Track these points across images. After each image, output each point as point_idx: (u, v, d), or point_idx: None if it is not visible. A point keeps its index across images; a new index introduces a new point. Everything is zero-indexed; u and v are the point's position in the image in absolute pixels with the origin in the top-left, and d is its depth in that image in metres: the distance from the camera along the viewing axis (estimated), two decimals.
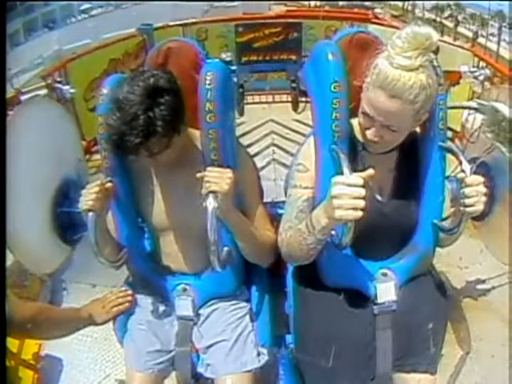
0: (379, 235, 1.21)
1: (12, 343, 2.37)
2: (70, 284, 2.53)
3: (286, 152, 3.78)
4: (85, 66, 3.72)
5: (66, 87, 3.35)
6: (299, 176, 1.24)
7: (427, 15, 26.12)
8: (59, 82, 3.41)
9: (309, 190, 1.21)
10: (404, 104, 1.02)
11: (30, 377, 2.26)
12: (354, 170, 1.05)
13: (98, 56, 3.99)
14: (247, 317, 1.42)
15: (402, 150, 1.25)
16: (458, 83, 3.37)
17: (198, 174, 1.14)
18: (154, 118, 1.07)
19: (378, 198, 1.23)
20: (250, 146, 3.51)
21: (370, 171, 0.97)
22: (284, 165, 3.50)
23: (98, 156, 3.26)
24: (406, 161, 1.26)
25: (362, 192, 0.93)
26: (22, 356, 2.33)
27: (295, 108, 2.32)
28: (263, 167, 3.55)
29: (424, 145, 1.24)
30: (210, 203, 1.07)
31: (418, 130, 1.28)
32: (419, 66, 1.01)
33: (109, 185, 1.21)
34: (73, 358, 1.92)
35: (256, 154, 3.58)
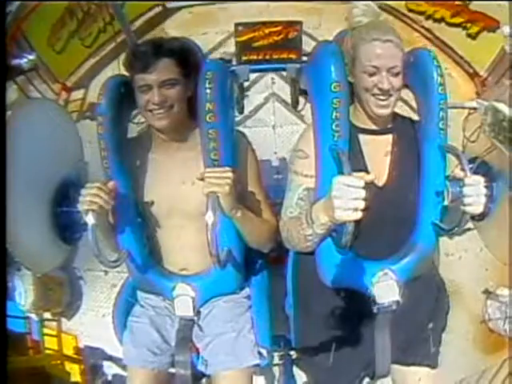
0: (379, 224, 1.20)
1: (50, 341, 2.54)
2: (84, 273, 2.63)
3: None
4: (42, 14, 3.16)
5: (24, 59, 3.04)
6: (299, 162, 1.26)
7: None
8: (19, 57, 3.03)
9: (309, 178, 1.23)
10: (396, 45, 1.16)
11: (76, 369, 2.46)
12: (353, 165, 1.06)
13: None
14: (247, 314, 1.43)
15: (396, 133, 1.27)
16: (492, 31, 3.03)
17: (198, 176, 1.15)
18: (164, 46, 1.23)
19: (376, 182, 1.22)
20: None
21: (372, 176, 0.97)
22: (284, 102, 3.00)
23: (76, 94, 3.20)
24: (402, 144, 1.26)
25: (363, 193, 0.93)
26: (63, 352, 2.49)
27: (295, 106, 2.33)
28: (261, 106, 3.07)
29: (424, 145, 1.24)
30: (210, 217, 1.09)
31: (416, 117, 1.30)
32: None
33: (108, 185, 1.21)
34: (108, 347, 1.95)
35: (254, 83, 3.07)
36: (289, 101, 2.62)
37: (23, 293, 2.33)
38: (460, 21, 3.15)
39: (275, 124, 3.02)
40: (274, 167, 2.79)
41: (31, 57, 3.07)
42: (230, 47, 2.98)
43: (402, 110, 1.35)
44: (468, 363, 2.51)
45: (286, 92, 2.96)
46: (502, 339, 2.52)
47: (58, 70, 3.23)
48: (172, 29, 3.35)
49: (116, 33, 3.10)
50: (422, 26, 3.26)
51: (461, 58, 3.17)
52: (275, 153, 2.88)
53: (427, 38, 3.24)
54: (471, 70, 3.15)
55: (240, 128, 1.51)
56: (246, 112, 2.83)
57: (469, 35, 3.14)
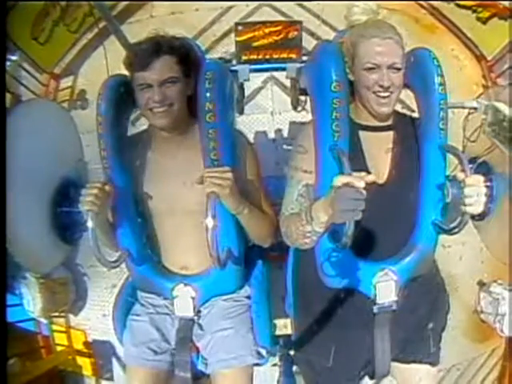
0: (379, 223, 1.20)
1: (60, 337, 2.59)
2: (87, 269, 2.63)
3: None
4: (22, 10, 3.03)
5: (7, 62, 2.89)
6: (299, 157, 1.26)
7: None
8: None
9: (308, 174, 1.23)
10: (396, 42, 1.15)
11: (87, 363, 2.52)
12: (353, 162, 1.06)
13: None
14: (247, 313, 1.43)
15: (397, 131, 1.27)
16: (504, 19, 2.87)
17: (197, 177, 1.15)
18: (164, 44, 1.22)
19: (377, 180, 1.21)
20: None
21: (373, 177, 0.97)
22: (283, 86, 2.85)
23: (65, 82, 3.14)
24: (403, 142, 1.26)
25: (363, 194, 0.93)
26: (74, 347, 2.55)
27: (295, 106, 2.33)
28: (258, 90, 2.91)
29: (424, 144, 1.24)
30: (210, 221, 1.10)
31: (416, 115, 1.30)
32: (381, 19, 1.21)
33: (108, 185, 1.21)
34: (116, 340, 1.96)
35: None
36: (288, 84, 2.50)
37: (31, 300, 2.38)
38: (471, 4, 3.07)
39: (273, 110, 2.90)
40: (273, 156, 2.72)
41: (14, 57, 3.02)
42: (224, 26, 2.91)
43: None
44: (459, 351, 2.54)
45: (284, 75, 2.56)
46: (493, 329, 2.55)
47: (44, 60, 3.17)
48: (161, 6, 3.17)
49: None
50: (430, 5, 3.17)
51: (468, 39, 3.10)
52: (274, 141, 2.81)
53: (434, 17, 3.17)
54: (478, 53, 3.08)
55: (236, 116, 1.50)
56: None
57: (478, 19, 3.06)
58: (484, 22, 3.05)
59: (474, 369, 2.67)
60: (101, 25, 2.81)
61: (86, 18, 3.24)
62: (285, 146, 2.73)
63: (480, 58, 3.08)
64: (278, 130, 2.86)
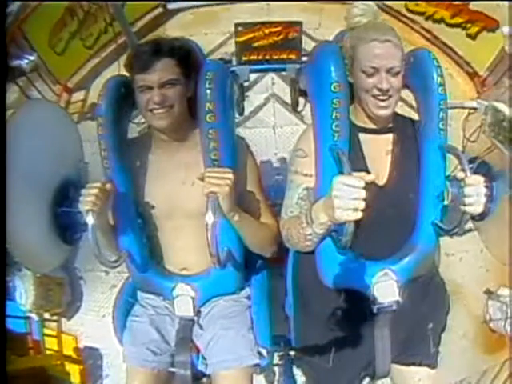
0: (379, 223, 1.19)
1: (50, 342, 2.53)
2: (84, 273, 2.63)
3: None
4: (42, 15, 3.13)
5: (25, 60, 3.06)
6: (299, 161, 1.26)
7: None
8: (19, 58, 3.04)
9: (308, 177, 1.23)
10: (395, 45, 1.15)
11: (76, 370, 2.45)
12: (353, 165, 1.06)
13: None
14: (247, 313, 1.43)
15: (397, 133, 1.27)
16: (492, 31, 3.02)
17: (198, 176, 1.15)
18: (165, 46, 1.23)
19: (377, 182, 1.21)
20: None
21: (372, 176, 0.97)
22: (284, 103, 3.07)
23: (77, 96, 3.22)
24: (402, 144, 1.26)
25: (363, 193, 0.93)
26: (64, 352, 2.49)
27: (295, 107, 2.35)
28: (261, 106, 3.13)
29: (424, 145, 1.24)
30: (210, 218, 1.09)
31: (416, 117, 1.30)
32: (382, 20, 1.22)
33: (109, 185, 1.21)
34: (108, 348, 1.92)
35: (254, 84, 3.10)
36: (289, 102, 2.69)
37: (24, 293, 2.35)
38: (460, 21, 3.16)
39: (275, 125, 3.06)
40: (275, 168, 2.82)
41: (32, 58, 3.09)
42: (231, 48, 3.02)
43: (402, 110, 1.35)
44: (469, 363, 2.49)
45: (286, 93, 3.00)
46: (504, 339, 2.50)
47: (58, 71, 3.25)
48: (173, 30, 3.38)
49: (117, 34, 3.12)
50: (422, 27, 3.27)
51: (460, 58, 3.18)
52: (275, 154, 2.91)
53: (427, 39, 3.25)
54: (471, 70, 3.16)
55: (240, 129, 1.51)
56: (246, 113, 2.90)
57: (468, 35, 3.15)
58: (473, 37, 3.14)
59: (485, 381, 2.56)
60: (114, 44, 2.91)
61: (101, 35, 3.36)
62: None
63: (473, 75, 3.17)
64: (280, 143, 3.00)
